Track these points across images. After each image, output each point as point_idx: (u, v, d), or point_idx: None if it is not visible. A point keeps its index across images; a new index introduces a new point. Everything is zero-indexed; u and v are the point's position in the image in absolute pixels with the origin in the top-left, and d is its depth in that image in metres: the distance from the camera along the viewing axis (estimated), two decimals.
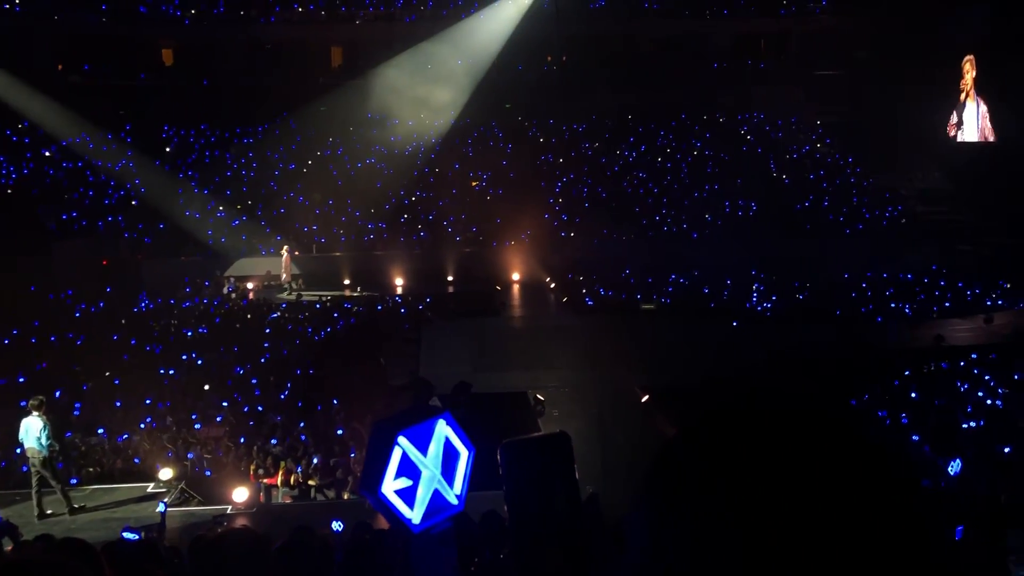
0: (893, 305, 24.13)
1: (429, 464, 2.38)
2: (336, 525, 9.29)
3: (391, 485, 2.30)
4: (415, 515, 2.31)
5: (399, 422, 2.35)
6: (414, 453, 2.35)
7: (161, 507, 10.50)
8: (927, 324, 22.24)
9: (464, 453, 2.53)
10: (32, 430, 11.13)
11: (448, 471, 2.46)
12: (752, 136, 36.81)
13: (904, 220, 31.51)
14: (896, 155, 33.86)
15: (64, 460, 12.69)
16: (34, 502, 11.29)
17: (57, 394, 11.64)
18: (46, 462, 11.17)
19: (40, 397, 11.55)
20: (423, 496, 2.36)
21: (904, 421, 13.72)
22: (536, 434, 2.51)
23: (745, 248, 28.33)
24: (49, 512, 11.37)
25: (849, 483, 0.84)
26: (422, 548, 2.30)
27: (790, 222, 30.85)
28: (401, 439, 2.29)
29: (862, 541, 0.81)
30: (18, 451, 12.02)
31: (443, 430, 2.44)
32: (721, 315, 23.13)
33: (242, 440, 13.30)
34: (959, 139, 34.05)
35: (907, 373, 16.99)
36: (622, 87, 36.44)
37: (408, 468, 2.35)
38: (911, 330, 21.98)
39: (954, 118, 34.27)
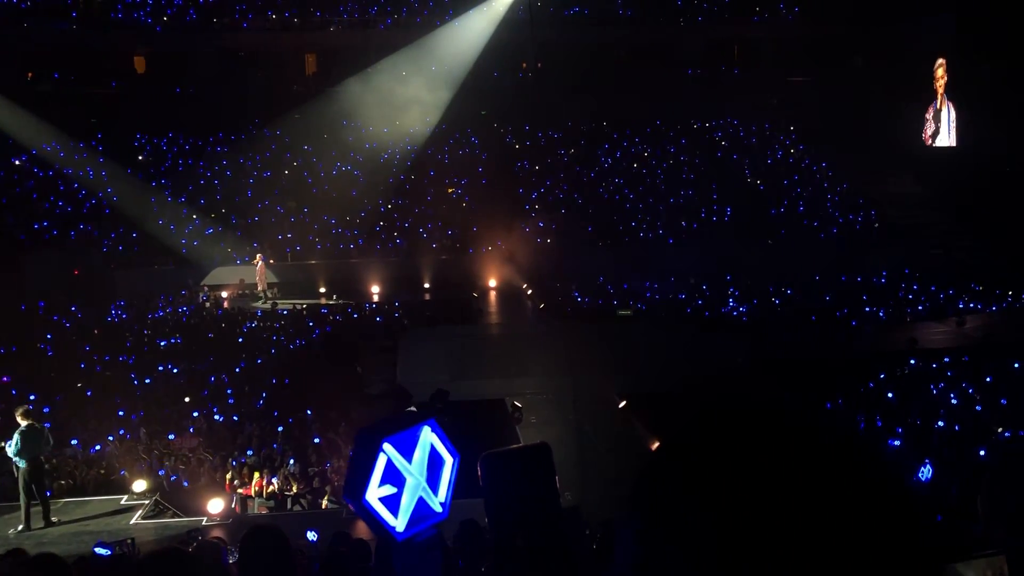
0: (868, 309, 24.35)
1: (414, 471, 2.34)
2: (311, 535, 9.21)
3: (375, 492, 2.26)
4: (399, 523, 2.27)
5: (384, 429, 2.31)
6: (399, 460, 2.31)
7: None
8: (901, 327, 22.47)
9: (449, 460, 2.49)
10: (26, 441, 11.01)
11: (433, 478, 2.42)
12: (726, 142, 37.08)
13: (877, 224, 31.84)
14: (869, 160, 34.25)
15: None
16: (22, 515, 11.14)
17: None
18: (32, 473, 11.03)
19: (24, 406, 11.42)
20: (407, 504, 2.32)
21: (879, 424, 13.83)
22: (517, 445, 2.49)
23: (720, 253, 28.48)
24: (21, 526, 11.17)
25: (832, 483, 0.85)
26: (406, 556, 2.27)
27: (765, 227, 31.09)
28: (386, 446, 2.26)
29: (851, 537, 0.81)
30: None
31: (428, 437, 2.41)
32: (697, 321, 23.25)
33: (216, 451, 13.17)
34: (935, 144, 34.47)
35: (882, 376, 17.15)
36: (597, 94, 36.60)
37: (393, 475, 2.32)
38: (885, 333, 22.20)
39: (930, 124, 34.70)
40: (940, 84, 34.08)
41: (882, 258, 28.54)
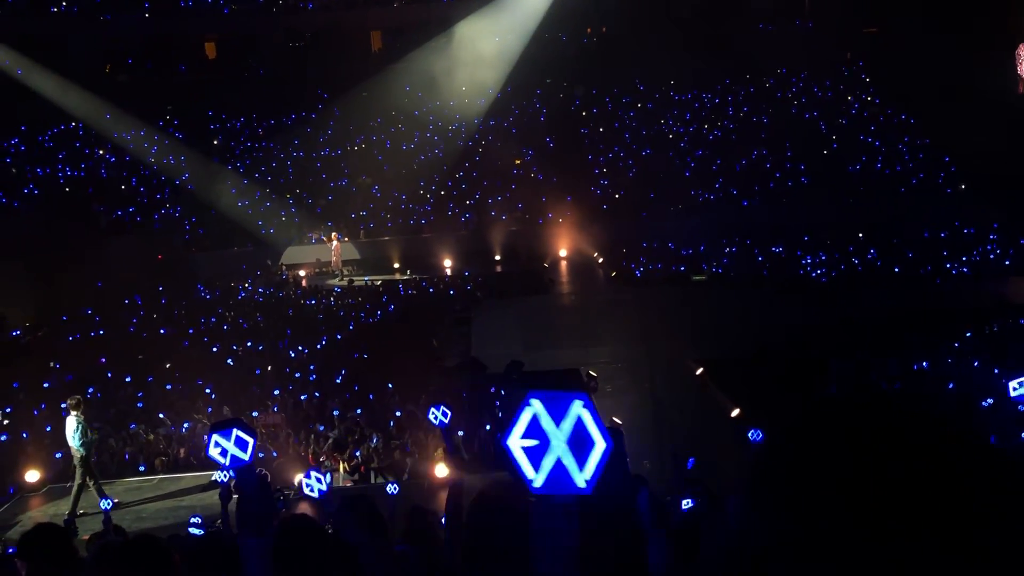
0: (949, 266, 23.52)
1: (560, 436, 2.33)
2: (391, 488, 9.53)
3: (518, 441, 2.26)
4: (537, 478, 2.26)
5: (535, 384, 2.32)
6: (546, 419, 2.30)
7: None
8: (988, 283, 21.64)
9: (600, 444, 2.45)
10: (69, 429, 11.28)
11: (579, 453, 2.40)
12: (800, 99, 36.03)
13: (962, 178, 30.60)
14: (953, 112, 32.82)
15: (132, 451, 13.04)
16: (93, 491, 11.51)
17: (90, 391, 11.73)
18: (82, 460, 11.32)
19: (76, 397, 11.64)
20: (548, 464, 2.31)
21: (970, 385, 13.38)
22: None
23: (796, 213, 27.83)
24: (116, 500, 11.61)
25: (955, 474, 0.84)
26: (544, 514, 2.26)
27: (842, 184, 30.20)
28: (533, 401, 2.24)
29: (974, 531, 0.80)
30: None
31: (579, 410, 2.38)
32: (774, 283, 22.82)
33: (300, 427, 13.52)
34: None
35: (968, 335, 16.57)
36: (664, 55, 35.90)
37: (536, 432, 2.30)
38: (972, 290, 21.40)
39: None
40: None
41: (966, 214, 27.43)
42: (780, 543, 0.88)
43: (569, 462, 2.32)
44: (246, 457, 2.95)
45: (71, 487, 11.41)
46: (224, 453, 2.92)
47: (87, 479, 11.40)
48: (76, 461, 11.32)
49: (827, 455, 0.89)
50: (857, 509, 0.83)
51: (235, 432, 2.93)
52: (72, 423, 11.23)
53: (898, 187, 30.22)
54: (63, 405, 11.73)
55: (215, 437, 2.93)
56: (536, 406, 2.25)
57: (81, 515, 11.23)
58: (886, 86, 35.51)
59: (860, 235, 26.14)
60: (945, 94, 32.04)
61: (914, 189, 30.17)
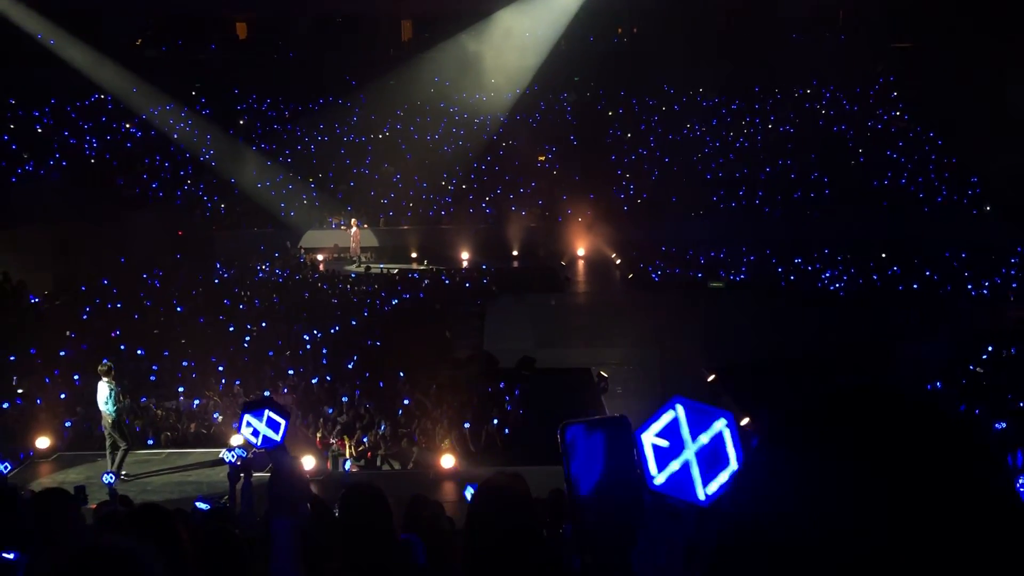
0: (970, 287, 23.32)
1: (693, 446, 2.33)
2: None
3: (651, 437, 2.26)
4: (660, 476, 2.26)
5: (683, 392, 2.33)
6: (684, 427, 2.30)
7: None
8: (1007, 306, 21.43)
9: (733, 466, 2.43)
10: (101, 394, 11.56)
11: (708, 468, 2.38)
12: (828, 111, 35.79)
13: (986, 199, 30.32)
14: (981, 131, 32.50)
15: (141, 424, 13.14)
16: (108, 462, 11.69)
17: (104, 362, 11.95)
18: (115, 424, 11.60)
19: (108, 363, 11.89)
20: (674, 466, 2.30)
21: (977, 412, 13.25)
22: (596, 417, 2.46)
23: (818, 225, 27.66)
24: (124, 473, 11.77)
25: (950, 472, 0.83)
26: (653, 514, 2.25)
27: (866, 199, 29.99)
28: (678, 405, 2.23)
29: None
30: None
31: (720, 427, 2.36)
32: (791, 294, 22.69)
33: (309, 410, 13.57)
34: None
35: (984, 356, 16.41)
36: (694, 60, 35.73)
37: (672, 435, 2.30)
38: (990, 311, 21.18)
39: None
40: None
41: (989, 234, 27.18)
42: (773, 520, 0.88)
43: (695, 472, 2.33)
44: (277, 438, 2.96)
45: (112, 453, 11.66)
46: (256, 433, 2.94)
47: (118, 443, 11.64)
48: (107, 425, 11.57)
49: (826, 439, 0.89)
50: (855, 495, 0.83)
51: (267, 413, 2.94)
52: (104, 389, 11.51)
53: (922, 205, 29.97)
54: (104, 364, 11.90)
55: (247, 417, 2.94)
56: (679, 411, 2.26)
57: (89, 482, 11.35)
58: (915, 102, 35.22)
59: (883, 255, 25.92)
60: (975, 114, 31.72)
61: (938, 207, 29.92)
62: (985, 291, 23.11)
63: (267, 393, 14.12)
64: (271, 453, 2.98)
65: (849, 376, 14.41)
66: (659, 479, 2.26)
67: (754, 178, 31.51)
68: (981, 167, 31.37)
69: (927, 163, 32.49)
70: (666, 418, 2.24)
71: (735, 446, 2.42)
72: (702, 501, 2.35)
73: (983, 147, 30.54)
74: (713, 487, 2.37)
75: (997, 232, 27.27)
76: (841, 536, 0.80)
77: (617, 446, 3.12)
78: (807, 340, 17.29)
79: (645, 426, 2.20)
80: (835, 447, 0.85)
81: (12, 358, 15.31)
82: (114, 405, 11.51)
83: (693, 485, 2.32)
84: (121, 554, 1.66)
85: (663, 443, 2.26)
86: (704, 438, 2.32)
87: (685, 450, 2.29)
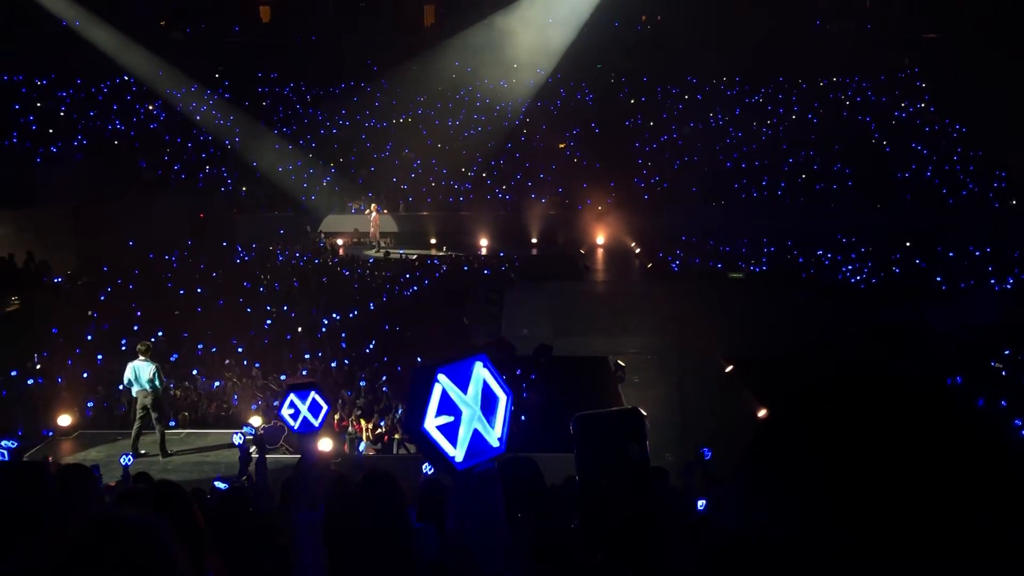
0: (992, 281, 23.05)
1: (469, 403, 2.35)
2: (426, 468, 9.62)
3: (433, 421, 2.29)
4: (458, 453, 2.29)
5: (437, 361, 2.34)
6: (454, 391, 2.32)
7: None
8: None
9: (503, 397, 2.48)
10: (143, 373, 11.75)
11: (488, 413, 2.42)
12: (853, 100, 35.42)
13: (1012, 193, 29.94)
14: (1007, 124, 32.06)
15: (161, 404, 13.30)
16: (131, 443, 11.85)
17: (123, 342, 12.14)
18: (157, 403, 11.77)
19: (147, 342, 12.17)
20: (464, 435, 2.33)
21: (1003, 404, 13.14)
22: (609, 409, 2.47)
23: (840, 216, 27.43)
24: (143, 452, 11.93)
25: (941, 452, 0.83)
26: (466, 488, 2.29)
27: (890, 191, 29.70)
28: (441, 376, 2.27)
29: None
30: (120, 388, 12.75)
31: (481, 372, 2.40)
32: (811, 286, 22.54)
33: (327, 393, 13.64)
34: None
35: (1006, 352, 16.24)
36: (718, 48, 35.40)
37: (448, 406, 2.33)
38: (1013, 308, 20.94)
39: None
40: None
41: (1015, 228, 26.86)
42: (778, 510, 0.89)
43: (482, 427, 2.35)
44: (316, 423, 2.94)
45: (140, 435, 11.94)
46: (295, 415, 2.92)
47: (153, 423, 11.89)
48: (147, 404, 11.79)
49: (824, 423, 0.89)
50: (850, 479, 0.83)
51: (312, 395, 2.92)
52: (148, 368, 11.76)
53: (946, 198, 29.65)
54: (143, 343, 12.14)
55: (291, 397, 2.92)
56: (443, 380, 2.28)
57: (109, 460, 11.51)
58: (941, 94, 34.77)
59: (907, 244, 25.68)
60: (1001, 106, 31.26)
61: (963, 201, 29.57)
62: (1008, 285, 22.85)
63: (283, 376, 14.23)
64: (302, 439, 2.97)
65: (867, 367, 14.30)
66: (459, 456, 2.26)
67: (776, 168, 31.26)
68: (1007, 161, 30.97)
69: (952, 156, 32.09)
70: (436, 395, 2.24)
71: (497, 380, 2.42)
72: (498, 448, 2.36)
73: (1010, 140, 30.14)
74: (499, 428, 2.38)
75: (1022, 227, 26.95)
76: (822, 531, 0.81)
77: (628, 437, 3.13)
78: (826, 332, 17.18)
79: (423, 417, 2.20)
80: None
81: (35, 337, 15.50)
82: (159, 383, 11.81)
83: (486, 440, 2.33)
84: (136, 526, 1.69)
85: (447, 420, 2.26)
86: (473, 389, 2.32)
87: (465, 413, 2.29)
